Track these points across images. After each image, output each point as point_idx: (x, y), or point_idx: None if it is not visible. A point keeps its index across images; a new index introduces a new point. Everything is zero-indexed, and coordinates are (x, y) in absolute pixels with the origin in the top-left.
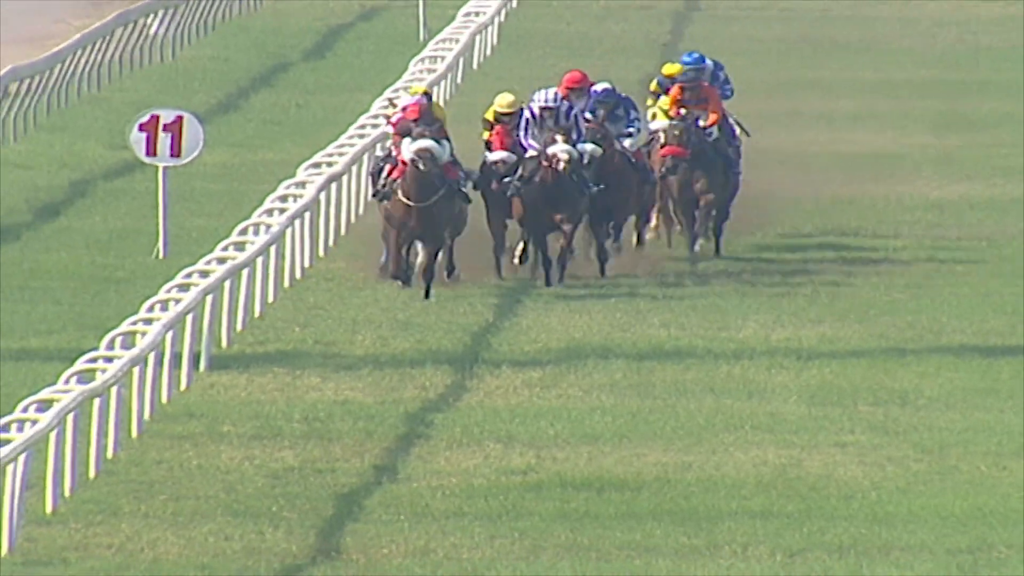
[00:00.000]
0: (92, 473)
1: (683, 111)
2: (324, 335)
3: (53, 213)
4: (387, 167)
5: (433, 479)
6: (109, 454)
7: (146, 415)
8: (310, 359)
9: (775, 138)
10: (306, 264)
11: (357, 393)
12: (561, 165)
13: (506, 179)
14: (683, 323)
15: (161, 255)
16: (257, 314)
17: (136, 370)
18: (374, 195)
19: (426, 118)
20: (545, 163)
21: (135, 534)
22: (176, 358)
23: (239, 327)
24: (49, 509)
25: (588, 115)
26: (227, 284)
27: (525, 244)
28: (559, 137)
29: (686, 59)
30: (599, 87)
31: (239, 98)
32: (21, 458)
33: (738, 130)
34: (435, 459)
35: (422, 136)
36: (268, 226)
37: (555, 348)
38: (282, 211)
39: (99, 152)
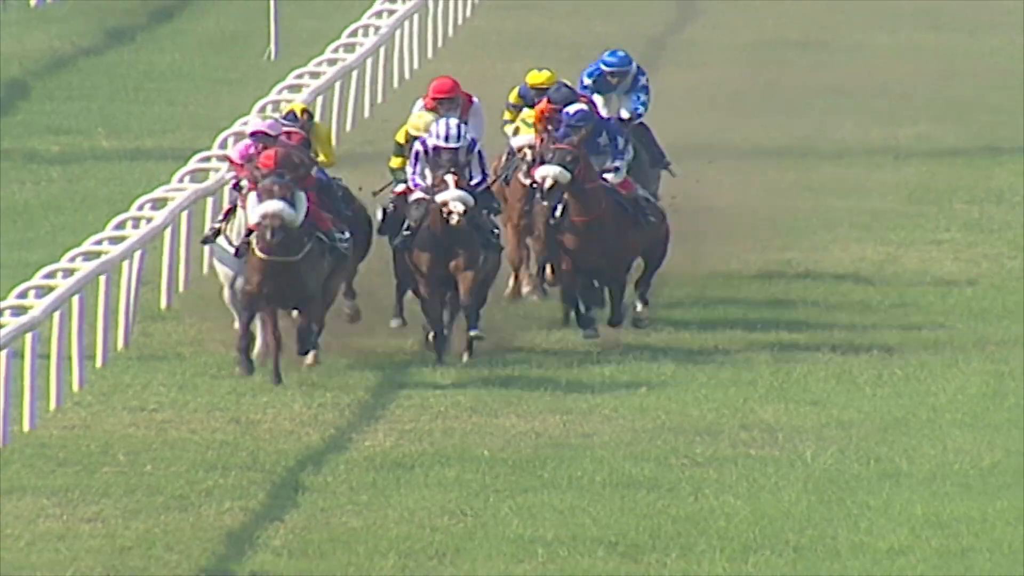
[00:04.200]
0: (205, 270)
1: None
2: None
3: (167, 15)
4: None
5: None
6: None
7: None
8: None
9: None
10: (415, 66)
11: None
12: (454, 218)
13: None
14: (782, 124)
15: (272, 57)
16: (366, 115)
17: None
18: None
19: (282, 167)
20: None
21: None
22: None
23: (348, 127)
24: (164, 305)
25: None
26: (337, 85)
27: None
28: (450, 179)
29: (608, 58)
30: (571, 109)
31: None
32: (136, 255)
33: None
34: None
35: (270, 194)
36: (377, 28)
37: None
38: (391, 13)
39: None
